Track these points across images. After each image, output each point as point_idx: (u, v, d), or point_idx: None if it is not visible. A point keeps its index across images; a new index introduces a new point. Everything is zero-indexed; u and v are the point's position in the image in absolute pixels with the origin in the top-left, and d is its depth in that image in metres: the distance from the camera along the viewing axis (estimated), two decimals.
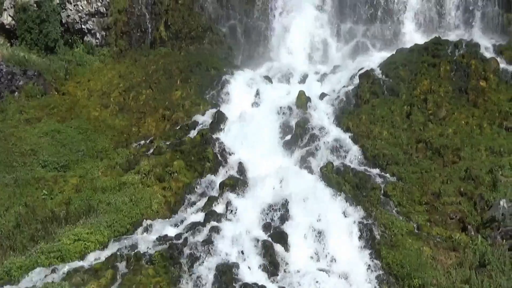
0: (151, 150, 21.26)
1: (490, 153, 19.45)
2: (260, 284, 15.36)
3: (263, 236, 16.89)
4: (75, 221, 18.03)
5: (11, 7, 28.80)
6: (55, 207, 18.81)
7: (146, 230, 17.87)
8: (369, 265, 16.21)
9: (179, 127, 22.38)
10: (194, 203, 19.05)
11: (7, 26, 29.09)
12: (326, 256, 16.59)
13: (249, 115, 22.23)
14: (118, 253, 16.36)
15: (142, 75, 25.29)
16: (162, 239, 16.97)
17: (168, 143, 21.45)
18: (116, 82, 25.31)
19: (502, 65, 22.04)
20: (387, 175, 19.24)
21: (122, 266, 16.05)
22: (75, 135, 22.72)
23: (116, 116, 23.73)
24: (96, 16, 28.21)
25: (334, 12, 26.56)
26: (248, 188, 19.01)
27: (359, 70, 23.14)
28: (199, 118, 22.47)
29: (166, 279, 15.60)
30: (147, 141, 22.12)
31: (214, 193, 19.17)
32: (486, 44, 23.29)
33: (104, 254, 16.71)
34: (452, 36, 24.49)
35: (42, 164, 21.26)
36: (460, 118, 20.74)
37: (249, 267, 16.04)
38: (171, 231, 17.50)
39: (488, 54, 22.55)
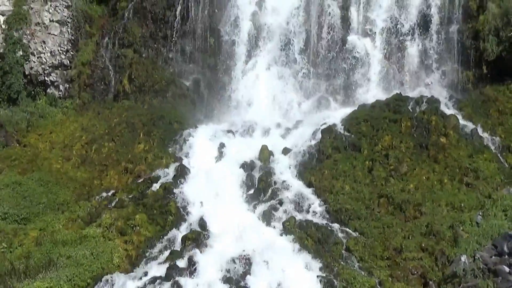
0: (113, 203, 21.13)
1: (451, 209, 19.64)
2: None
3: None
4: (35, 275, 17.77)
5: None
6: (15, 260, 18.54)
7: (107, 284, 17.67)
8: None
9: (141, 180, 22.28)
10: (156, 257, 18.91)
11: None
12: None
13: (212, 169, 22.25)
14: None
15: (105, 128, 25.23)
16: None
17: (130, 196, 21.35)
18: (79, 135, 25.20)
19: (462, 121, 22.40)
20: (349, 230, 19.31)
21: None
22: (36, 187, 22.48)
23: (78, 169, 23.57)
24: (60, 69, 28.19)
25: (297, 68, 26.74)
26: (211, 242, 18.93)
27: (321, 125, 23.33)
28: (161, 171, 22.42)
29: None
30: (109, 194, 21.97)
31: (176, 247, 19.06)
32: (446, 101, 23.71)
33: None
34: (413, 93, 24.87)
35: (2, 216, 20.97)
36: (421, 173, 20.96)
37: None
38: (132, 286, 17.33)
39: (448, 111, 22.94)
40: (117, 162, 23.39)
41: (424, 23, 25.80)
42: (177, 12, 27.65)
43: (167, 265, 18.04)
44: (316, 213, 20.17)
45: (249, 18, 27.32)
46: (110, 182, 22.71)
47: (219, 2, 27.61)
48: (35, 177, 23.00)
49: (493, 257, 17.12)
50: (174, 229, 19.78)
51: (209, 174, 21.96)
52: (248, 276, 17.38)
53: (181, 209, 20.53)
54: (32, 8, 28.05)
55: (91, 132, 25.21)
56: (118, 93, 27.16)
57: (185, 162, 22.75)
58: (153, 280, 17.36)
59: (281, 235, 19.08)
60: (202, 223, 19.96)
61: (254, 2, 27.48)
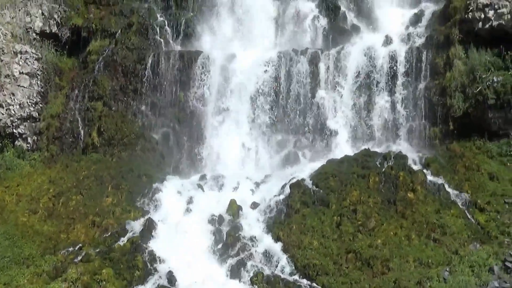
0: (80, 258, 20.88)
1: (419, 264, 19.67)
2: None
3: None
4: None
5: None
6: None
7: None
8: None
9: (109, 234, 22.09)
10: None
11: None
12: None
13: (180, 223, 22.16)
14: None
15: (73, 180, 25.07)
16: None
17: (97, 250, 21.13)
18: (46, 188, 25.00)
19: (429, 177, 22.56)
20: (318, 285, 19.25)
21: None
22: (1, 241, 22.16)
23: (44, 222, 23.33)
24: (29, 121, 28.07)
25: (266, 123, 26.88)
26: None
27: (290, 180, 23.36)
28: (129, 225, 22.25)
29: None
30: (76, 248, 21.72)
31: None
32: (414, 157, 23.86)
33: None
34: (381, 148, 25.09)
35: None
36: (389, 229, 21.01)
37: None
38: None
39: (416, 167, 23.10)
40: (85, 216, 23.19)
41: (392, 79, 26.15)
42: (148, 66, 27.83)
43: None
44: (284, 269, 20.11)
45: (218, 73, 27.50)
46: (77, 236, 22.48)
47: (189, 57, 27.81)
48: (0, 230, 22.72)
49: None
50: (141, 284, 19.61)
51: (178, 228, 21.88)
52: None
53: (149, 264, 20.36)
54: (2, 60, 28.00)
55: (59, 185, 25.03)
56: (86, 146, 27.07)
57: (153, 216, 22.63)
58: None
59: None
60: (170, 278, 19.81)
61: (224, 57, 27.71)
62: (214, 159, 26.63)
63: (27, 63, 28.27)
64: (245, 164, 26.40)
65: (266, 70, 27.17)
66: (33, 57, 28.40)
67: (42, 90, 28.28)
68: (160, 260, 20.64)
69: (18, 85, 28.10)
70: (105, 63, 28.33)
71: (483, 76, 23.90)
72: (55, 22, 29.96)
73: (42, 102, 28.21)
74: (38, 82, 28.28)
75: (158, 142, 26.93)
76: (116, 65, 28.17)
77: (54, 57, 29.06)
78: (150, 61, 27.90)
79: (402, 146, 25.29)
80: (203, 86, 27.46)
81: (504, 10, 24.21)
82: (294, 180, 23.18)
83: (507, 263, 18.78)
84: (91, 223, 22.84)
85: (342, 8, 29.12)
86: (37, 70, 28.29)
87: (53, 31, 29.92)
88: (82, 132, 27.51)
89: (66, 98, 28.20)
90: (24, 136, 28.16)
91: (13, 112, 27.96)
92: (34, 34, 29.45)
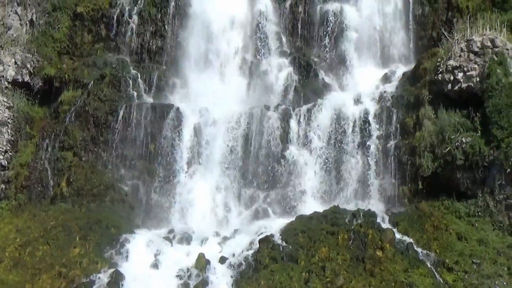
0: None
1: None
2: None
3: None
4: None
5: None
6: None
7: None
8: None
9: (75, 285, 21.77)
10: None
11: None
12: None
13: (147, 276, 21.94)
14: None
15: (40, 230, 24.74)
16: None
17: None
18: (13, 237, 24.65)
19: (398, 235, 22.62)
20: None
21: None
22: None
23: (10, 272, 22.93)
24: None
25: (236, 177, 26.92)
26: None
27: (259, 235, 23.31)
28: (96, 277, 21.96)
29: None
30: None
31: None
32: (383, 215, 23.97)
33: None
34: (351, 206, 25.17)
35: None
36: (357, 286, 20.93)
37: None
38: None
39: (385, 225, 23.16)
40: (51, 266, 22.84)
41: (362, 137, 26.41)
42: (119, 117, 27.87)
43: None
44: None
45: (190, 127, 27.61)
46: (42, 287, 22.14)
47: (161, 110, 27.91)
48: None
49: None
50: None
51: (145, 281, 21.63)
52: None
53: None
54: None
55: (26, 234, 24.69)
56: (55, 196, 26.85)
57: (121, 268, 22.34)
58: None
59: None
60: None
61: (196, 111, 27.84)
62: (184, 212, 26.51)
63: None
64: (214, 218, 26.30)
65: (237, 125, 27.29)
66: (4, 105, 28.31)
67: (12, 138, 28.15)
68: None
69: None
70: (76, 113, 28.33)
71: (452, 137, 24.22)
72: (27, 71, 30.03)
73: (11, 150, 28.05)
74: (9, 130, 28.15)
75: (128, 193, 26.79)
76: (87, 116, 28.20)
77: (25, 106, 29.07)
78: (121, 113, 27.93)
79: (371, 203, 25.39)
80: (175, 139, 27.48)
81: (473, 72, 24.68)
82: (263, 236, 23.12)
83: None
84: (57, 274, 22.47)
85: (314, 66, 29.47)
86: (8, 119, 28.18)
87: (26, 80, 30.01)
88: (51, 181, 27.32)
89: (36, 147, 28.10)
90: None
91: None
92: (6, 83, 29.48)
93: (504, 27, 25.15)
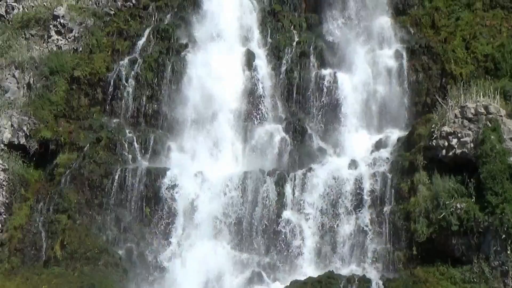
0: None
1: None
2: None
3: None
4: None
5: None
6: None
7: None
8: None
9: None
10: None
11: None
12: None
13: None
14: None
15: None
16: None
17: None
18: None
19: None
20: None
21: None
22: None
23: None
24: None
25: (230, 241, 26.85)
26: None
27: None
28: None
29: None
30: None
31: None
32: (378, 281, 23.87)
33: None
34: (346, 271, 25.07)
35: None
36: None
37: None
38: None
39: None
40: None
41: (357, 202, 26.44)
42: (115, 181, 27.91)
43: None
44: None
45: (186, 191, 27.61)
46: None
47: (156, 173, 27.95)
48: None
49: None
50: None
51: None
52: None
53: None
54: None
55: None
56: (49, 259, 26.68)
57: None
58: None
59: None
60: None
61: (192, 174, 27.90)
62: (178, 278, 26.34)
63: None
64: (209, 284, 26.12)
65: (233, 189, 27.33)
66: None
67: (7, 201, 28.14)
68: None
69: None
70: (71, 176, 28.34)
71: (446, 203, 24.25)
72: (23, 134, 30.16)
73: (6, 213, 28.02)
74: (3, 193, 28.14)
75: (122, 257, 26.64)
76: (82, 179, 28.23)
77: (21, 169, 29.11)
78: (117, 176, 27.98)
79: (366, 269, 25.30)
80: (169, 202, 27.47)
81: (467, 139, 24.85)
82: None
83: None
84: None
85: (309, 131, 29.63)
86: (3, 181, 28.20)
87: (21, 142, 30.10)
88: (44, 244, 27.19)
89: (31, 210, 28.06)
90: None
91: None
92: (2, 145, 29.61)
93: (497, 94, 25.41)
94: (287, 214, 26.86)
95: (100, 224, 27.43)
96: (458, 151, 25.00)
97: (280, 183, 27.23)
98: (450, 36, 29.73)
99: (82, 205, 27.76)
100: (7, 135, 29.85)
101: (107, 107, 31.18)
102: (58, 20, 33.36)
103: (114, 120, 30.53)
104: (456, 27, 29.78)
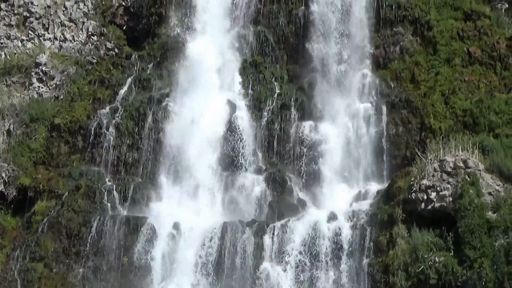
0: None
1: None
2: None
3: None
4: None
5: None
6: None
7: None
8: None
9: None
10: None
11: None
12: None
13: None
14: None
15: None
16: None
17: None
18: None
19: None
20: None
21: None
22: None
23: None
24: None
25: None
26: None
27: None
28: None
29: None
30: None
31: None
32: None
33: None
34: None
35: None
36: None
37: None
38: None
39: None
40: None
41: (336, 255, 26.35)
42: (93, 229, 27.75)
43: None
44: None
45: (164, 241, 27.44)
46: None
47: (135, 222, 27.83)
48: None
49: None
50: None
51: None
52: None
53: None
54: None
55: None
56: None
57: None
58: None
59: None
60: None
61: (171, 224, 27.76)
62: None
63: None
64: None
65: (211, 240, 27.21)
66: None
67: None
68: None
69: None
70: (49, 224, 28.16)
71: (425, 256, 24.26)
72: (2, 180, 29.99)
73: None
74: None
75: None
76: (60, 227, 28.07)
77: None
78: (95, 225, 27.83)
79: None
80: (147, 252, 27.29)
81: (446, 192, 24.97)
82: None
83: None
84: None
85: (289, 182, 29.69)
86: None
87: (0, 189, 29.86)
88: None
89: (7, 258, 27.81)
90: None
91: None
92: None
93: (476, 148, 25.64)
94: (265, 265, 26.73)
95: (77, 273, 27.18)
96: (437, 205, 25.09)
97: (259, 234, 27.14)
98: (429, 90, 30.12)
99: (59, 254, 27.54)
100: None
101: (87, 155, 31.15)
102: (40, 67, 33.50)
103: (94, 168, 30.45)
104: (436, 82, 30.18)
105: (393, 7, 32.33)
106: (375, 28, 32.44)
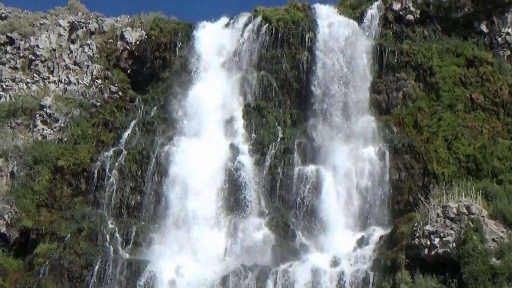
0: None
1: None
2: None
3: None
4: None
5: None
6: None
7: None
8: None
9: None
10: None
11: None
12: None
13: None
14: None
15: None
16: None
17: None
18: None
19: None
20: None
21: None
22: None
23: None
24: None
25: None
26: None
27: None
28: None
29: None
30: None
31: None
32: None
33: None
34: None
35: None
36: None
37: None
38: None
39: None
40: None
41: None
42: (94, 272, 27.62)
43: None
44: None
45: (165, 285, 27.29)
46: None
47: (136, 266, 27.74)
48: None
49: None
50: None
51: None
52: None
53: None
54: None
55: None
56: None
57: None
58: None
59: None
60: None
61: (173, 269, 27.64)
62: None
63: None
64: None
65: (214, 284, 27.10)
66: None
67: None
68: None
69: None
70: (51, 266, 28.07)
71: None
72: (4, 222, 30.01)
73: None
74: None
75: None
76: (62, 270, 27.98)
77: (0, 258, 28.78)
78: (97, 267, 27.71)
79: None
80: None
81: (449, 238, 24.89)
82: None
83: None
84: None
85: (292, 227, 29.62)
86: None
87: (2, 231, 29.89)
88: None
89: None
90: None
91: None
92: None
93: (479, 194, 25.62)
94: None
95: None
96: (440, 251, 25.00)
97: (261, 279, 27.01)
98: (432, 136, 30.22)
99: None
100: None
101: (90, 198, 31.22)
102: (45, 110, 33.77)
103: (97, 211, 30.43)
104: (439, 128, 30.28)
105: (396, 53, 32.68)
106: (378, 74, 32.77)
